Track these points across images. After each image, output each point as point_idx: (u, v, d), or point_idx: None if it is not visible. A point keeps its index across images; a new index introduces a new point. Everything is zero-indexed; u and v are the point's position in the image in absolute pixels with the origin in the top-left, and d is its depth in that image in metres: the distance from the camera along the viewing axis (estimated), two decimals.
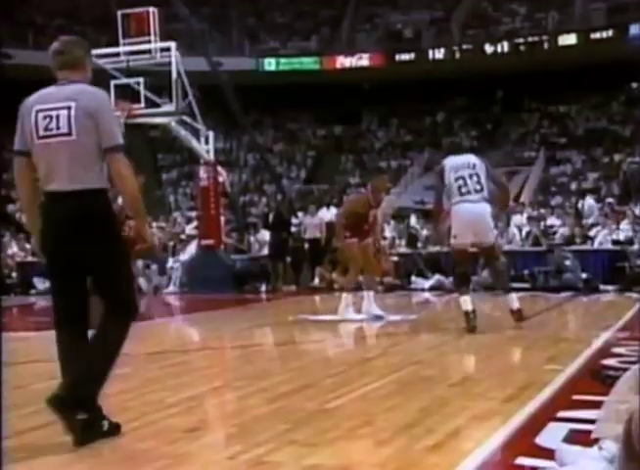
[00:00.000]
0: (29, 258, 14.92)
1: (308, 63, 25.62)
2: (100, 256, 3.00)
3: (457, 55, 24.37)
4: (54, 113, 3.00)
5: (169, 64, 11.72)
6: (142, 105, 11.85)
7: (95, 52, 12.03)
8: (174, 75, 11.66)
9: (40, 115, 3.02)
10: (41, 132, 3.02)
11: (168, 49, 11.80)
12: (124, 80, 11.88)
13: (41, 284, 13.77)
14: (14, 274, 14.49)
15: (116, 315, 3.08)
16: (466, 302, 6.12)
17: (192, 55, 16.48)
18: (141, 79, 11.88)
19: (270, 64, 25.71)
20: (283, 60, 25.84)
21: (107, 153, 3.00)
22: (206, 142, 12.75)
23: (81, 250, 2.98)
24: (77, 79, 3.10)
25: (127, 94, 11.95)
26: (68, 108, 2.99)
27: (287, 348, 5.97)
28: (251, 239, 13.75)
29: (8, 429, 3.01)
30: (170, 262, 13.23)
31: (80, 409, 2.99)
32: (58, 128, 2.99)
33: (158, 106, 12.02)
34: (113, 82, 11.76)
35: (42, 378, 4.60)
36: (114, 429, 3.10)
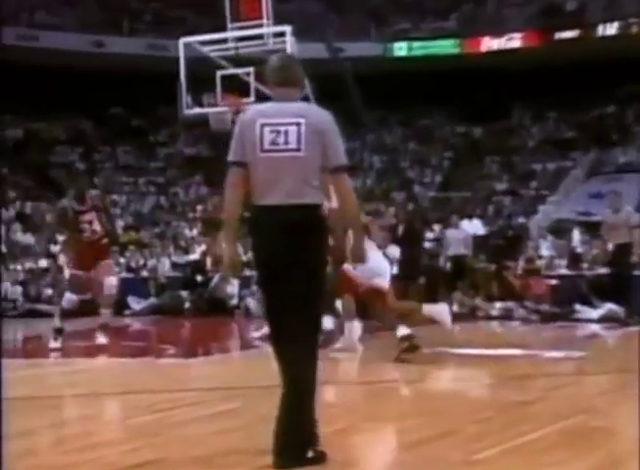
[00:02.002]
0: (124, 274, 15.69)
1: (446, 46, 25.45)
2: (310, 270, 3.49)
3: (633, 30, 23.42)
4: (282, 128, 3.45)
5: (284, 50, 11.97)
6: (252, 98, 12.14)
7: (197, 39, 12.56)
8: None
9: (266, 129, 3.45)
10: (266, 146, 3.46)
11: (282, 34, 12.03)
12: (232, 70, 12.23)
13: (136, 304, 14.42)
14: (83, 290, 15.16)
15: (309, 333, 3.51)
16: None
17: (308, 40, 16.83)
18: (251, 69, 12.16)
19: (400, 48, 25.75)
20: (416, 43, 25.81)
21: (333, 172, 3.49)
22: None
23: (296, 260, 3.45)
24: (297, 96, 3.58)
25: (235, 86, 12.31)
26: (298, 124, 3.45)
27: (422, 385, 5.91)
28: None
29: (106, 467, 3.14)
30: None
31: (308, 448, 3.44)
32: (286, 143, 3.44)
33: (270, 99, 12.33)
34: (219, 73, 12.14)
35: (143, 411, 4.80)
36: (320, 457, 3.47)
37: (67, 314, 8.88)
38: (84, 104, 24.48)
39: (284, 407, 3.48)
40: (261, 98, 12.29)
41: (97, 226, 8.64)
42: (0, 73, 21.64)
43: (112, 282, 8.88)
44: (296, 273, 3.46)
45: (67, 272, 9.43)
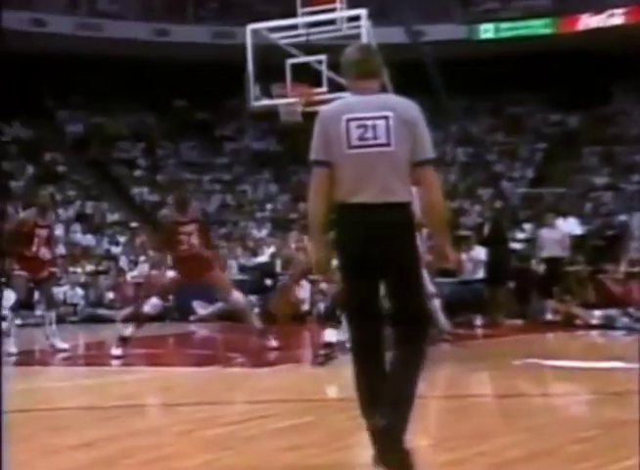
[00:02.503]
0: None
1: (538, 26, 25.05)
2: (408, 270, 3.60)
3: None
4: (369, 122, 3.53)
5: (359, 36, 11.98)
6: (324, 88, 12.19)
7: (266, 25, 12.67)
8: None
9: (352, 124, 3.53)
10: (354, 142, 3.53)
11: (357, 18, 12.04)
12: (303, 59, 12.31)
13: (202, 309, 14.62)
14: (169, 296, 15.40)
15: (413, 332, 3.61)
16: None
17: (385, 24, 16.81)
18: (323, 57, 12.21)
19: (487, 30, 25.47)
20: (504, 24, 25.48)
21: (420, 165, 3.56)
22: None
23: (392, 260, 3.55)
24: (377, 88, 3.66)
25: (306, 75, 12.37)
26: (386, 118, 3.53)
27: (513, 401, 5.85)
28: (463, 257, 13.66)
29: None
30: None
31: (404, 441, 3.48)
32: (375, 138, 3.53)
33: (344, 89, 12.33)
34: (288, 61, 12.21)
35: (211, 423, 4.88)
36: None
37: (149, 319, 9.13)
38: (147, 97, 24.95)
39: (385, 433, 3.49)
40: (335, 88, 12.31)
41: (195, 240, 8.83)
42: (59, 66, 22.32)
43: (236, 297, 9.06)
44: (392, 273, 3.56)
45: (154, 273, 9.73)
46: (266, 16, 16.61)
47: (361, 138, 3.53)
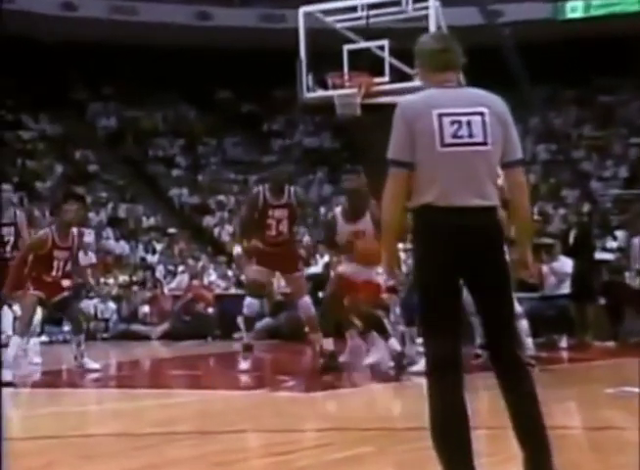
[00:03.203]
0: (233, 290, 16.10)
1: (633, 1, 24.77)
2: (503, 281, 3.70)
3: None
4: (464, 118, 3.62)
5: (426, 18, 11.97)
6: (386, 78, 12.20)
7: (320, 7, 12.73)
8: None
9: (446, 119, 3.61)
10: (447, 139, 3.61)
11: None
12: (363, 44, 12.35)
13: None
14: (210, 310, 15.59)
15: (518, 359, 3.71)
16: None
17: (457, 4, 16.78)
18: (385, 42, 12.24)
19: (575, 9, 25.28)
20: (594, 1, 25.27)
21: (510, 166, 3.71)
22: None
23: (486, 270, 3.65)
24: (458, 82, 3.77)
25: (365, 63, 12.39)
26: (481, 114, 3.64)
27: (604, 434, 5.77)
28: (544, 269, 13.55)
29: None
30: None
31: None
32: (471, 136, 3.62)
33: (409, 79, 12.34)
34: (346, 47, 12.26)
35: (259, 453, 4.93)
36: None
37: (250, 323, 9.45)
38: (186, 87, 25.23)
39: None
40: (398, 77, 12.32)
41: (285, 227, 9.01)
42: (90, 53, 22.69)
43: (307, 302, 9.21)
44: (485, 286, 3.66)
45: (245, 270, 9.92)
46: None
47: (455, 135, 3.60)
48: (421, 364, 8.35)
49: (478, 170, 3.61)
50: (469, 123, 3.61)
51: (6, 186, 15.79)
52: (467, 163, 3.60)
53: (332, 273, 9.81)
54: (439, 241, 3.60)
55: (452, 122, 3.60)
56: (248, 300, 9.24)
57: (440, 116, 3.60)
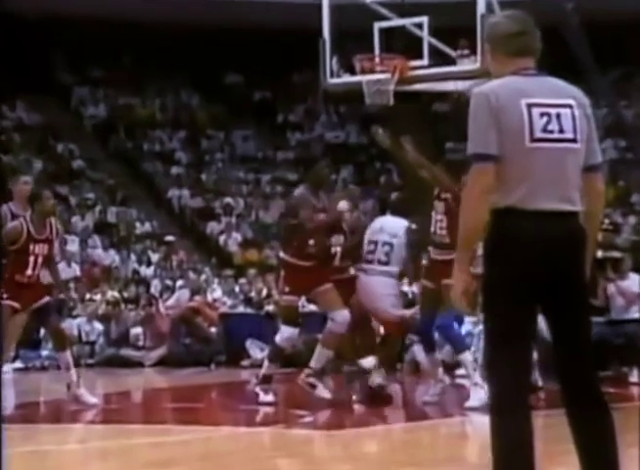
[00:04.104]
0: (241, 309, 16.09)
1: None
2: (585, 299, 3.83)
3: None
4: (553, 110, 3.71)
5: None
6: (424, 61, 12.20)
7: None
8: (481, 11, 11.88)
9: (535, 110, 3.70)
10: (538, 134, 3.69)
11: None
12: (397, 21, 12.35)
13: (258, 350, 14.68)
14: (213, 330, 15.61)
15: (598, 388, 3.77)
16: None
17: None
18: (424, 19, 12.25)
19: None
20: None
21: (593, 170, 3.81)
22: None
23: (575, 285, 3.73)
24: (535, 69, 3.85)
25: (400, 43, 12.38)
26: (570, 107, 3.75)
27: None
28: (611, 288, 13.45)
29: None
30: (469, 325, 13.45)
31: None
32: (561, 131, 3.71)
33: (450, 62, 12.33)
34: (377, 25, 12.27)
35: None
36: None
37: (279, 354, 9.55)
38: (189, 71, 25.27)
39: None
40: (439, 60, 12.30)
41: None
42: (76, 30, 22.77)
43: (346, 315, 9.28)
44: (568, 304, 3.72)
45: (278, 296, 10.07)
46: None
47: (545, 129, 3.68)
48: (475, 399, 8.51)
49: (567, 170, 3.70)
50: (558, 116, 3.69)
51: None
52: (556, 161, 3.68)
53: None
54: (522, 251, 3.65)
55: (542, 114, 3.68)
56: (283, 328, 9.37)
57: (530, 106, 3.68)
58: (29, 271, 9.03)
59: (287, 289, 9.43)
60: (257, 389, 9.39)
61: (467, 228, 3.68)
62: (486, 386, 3.84)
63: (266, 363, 9.47)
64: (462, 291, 3.69)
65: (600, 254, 15.01)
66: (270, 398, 9.25)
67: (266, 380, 9.37)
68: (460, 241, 3.73)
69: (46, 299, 9.25)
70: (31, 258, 9.02)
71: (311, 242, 9.27)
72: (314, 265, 9.25)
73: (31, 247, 8.99)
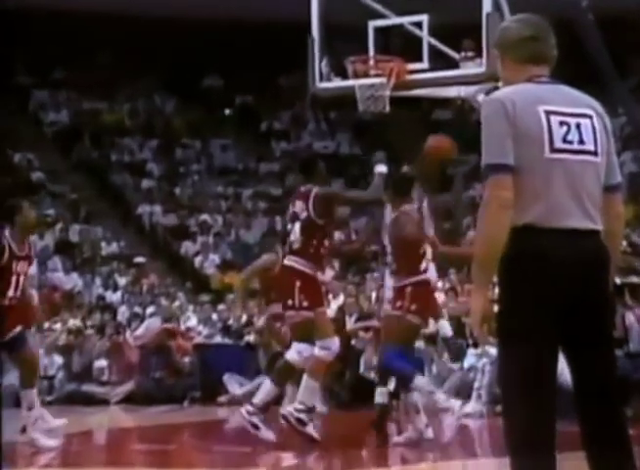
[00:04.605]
0: (218, 339, 16.08)
1: None
2: (609, 327, 3.86)
3: None
4: (572, 120, 3.77)
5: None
6: (424, 63, 12.23)
7: None
8: (487, 8, 11.91)
9: (554, 119, 3.74)
10: (558, 144, 3.74)
11: None
12: (394, 20, 12.39)
13: (237, 385, 14.64)
14: (186, 360, 15.54)
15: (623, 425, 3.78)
16: None
17: None
18: (424, 17, 12.29)
19: None
20: None
21: (612, 190, 3.89)
22: None
23: (594, 309, 3.75)
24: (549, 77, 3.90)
25: (397, 44, 12.41)
26: (590, 117, 3.82)
27: None
28: (630, 317, 13.47)
29: None
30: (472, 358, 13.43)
31: None
32: (581, 142, 3.77)
33: (453, 65, 12.36)
34: (371, 23, 12.31)
35: None
36: None
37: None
38: (163, 72, 25.30)
39: None
40: (441, 62, 12.33)
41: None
42: (37, 26, 22.73)
43: (337, 344, 9.37)
44: (593, 331, 3.74)
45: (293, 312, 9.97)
46: None
47: (565, 140, 3.74)
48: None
49: (588, 185, 3.75)
50: (578, 126, 3.76)
51: None
52: (577, 174, 3.74)
53: None
54: (544, 273, 3.67)
55: (561, 123, 3.74)
56: (296, 346, 9.32)
57: (548, 113, 3.73)
58: (12, 292, 8.98)
59: (305, 303, 9.33)
60: (255, 419, 9.16)
61: (485, 249, 3.67)
62: (505, 426, 3.76)
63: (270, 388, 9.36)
64: (482, 317, 3.67)
65: (617, 279, 15.02)
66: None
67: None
68: (478, 263, 3.71)
69: (19, 328, 9.10)
70: (14, 278, 8.96)
71: None
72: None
73: (14, 265, 8.94)
